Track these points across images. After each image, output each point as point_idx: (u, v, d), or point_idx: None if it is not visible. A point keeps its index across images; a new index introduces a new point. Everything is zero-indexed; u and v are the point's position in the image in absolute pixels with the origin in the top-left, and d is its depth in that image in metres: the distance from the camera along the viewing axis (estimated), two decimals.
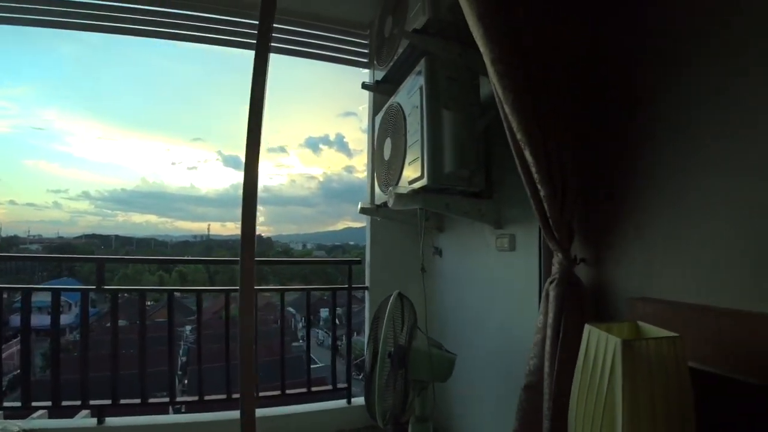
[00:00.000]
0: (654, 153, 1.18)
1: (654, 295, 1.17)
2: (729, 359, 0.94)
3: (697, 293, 1.05)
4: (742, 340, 0.92)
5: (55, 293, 2.24)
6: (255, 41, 1.32)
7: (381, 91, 2.29)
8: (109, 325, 2.39)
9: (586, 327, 0.96)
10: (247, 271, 1.19)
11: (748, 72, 0.96)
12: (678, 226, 1.11)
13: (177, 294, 2.53)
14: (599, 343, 0.90)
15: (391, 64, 2.02)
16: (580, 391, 0.95)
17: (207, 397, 2.36)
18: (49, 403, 2.17)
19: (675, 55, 1.14)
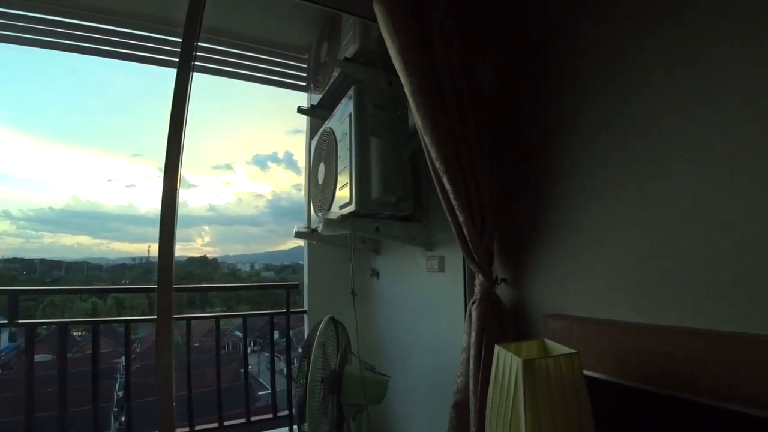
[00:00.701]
0: (562, 183, 1.29)
1: (565, 311, 1.26)
2: (625, 368, 1.03)
3: (600, 309, 1.16)
4: (634, 350, 1.02)
5: None
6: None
7: (317, 115, 2.32)
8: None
9: (496, 347, 1.02)
10: (164, 302, 1.16)
11: (649, 106, 1.09)
12: (583, 249, 1.22)
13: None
14: (505, 362, 0.96)
15: (326, 89, 2.06)
16: (492, 408, 1.00)
17: None
18: None
19: (582, 89, 1.26)
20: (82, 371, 2.83)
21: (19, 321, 2.09)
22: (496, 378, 0.99)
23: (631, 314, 1.08)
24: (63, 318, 2.32)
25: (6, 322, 2.04)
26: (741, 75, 0.88)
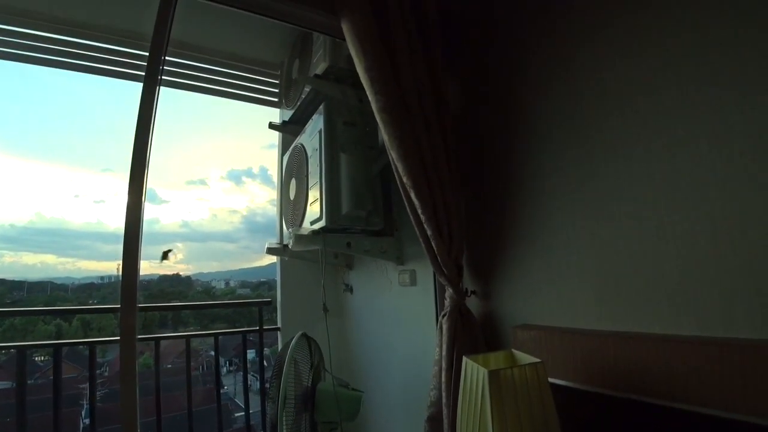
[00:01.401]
0: (527, 198, 1.34)
1: (533, 322, 1.29)
2: (590, 375, 1.06)
3: (566, 318, 1.20)
4: (596, 356, 1.05)
5: None
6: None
7: (288, 131, 2.33)
8: None
9: (464, 359, 1.03)
10: (128, 323, 1.13)
11: (608, 123, 1.14)
12: (549, 261, 1.26)
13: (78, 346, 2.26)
14: (473, 374, 0.97)
15: (298, 105, 2.08)
16: (462, 419, 1.01)
17: None
18: None
19: (544, 108, 1.31)
20: (44, 399, 2.69)
21: None
22: (465, 389, 1.00)
23: (596, 322, 1.12)
24: (24, 341, 2.21)
25: None
26: (682, 91, 0.94)
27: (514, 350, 1.10)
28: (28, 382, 2.24)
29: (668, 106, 0.97)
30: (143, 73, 2.33)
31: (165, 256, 1.57)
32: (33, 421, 2.09)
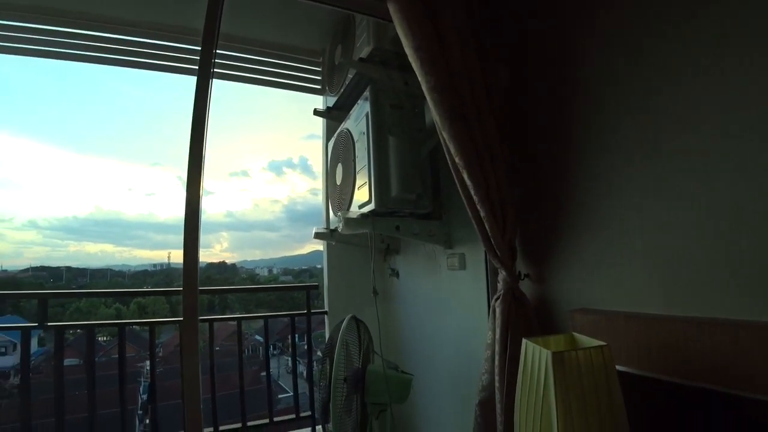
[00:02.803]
0: (584, 176, 1.28)
1: (591, 306, 1.24)
2: (655, 361, 1.01)
3: (628, 303, 1.14)
4: (664, 342, 1.00)
5: None
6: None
7: (332, 117, 2.34)
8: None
9: (524, 341, 1.01)
10: (190, 302, 1.17)
11: (677, 92, 1.07)
12: (610, 243, 1.21)
13: (137, 327, 2.41)
14: (534, 356, 0.95)
15: (342, 91, 2.08)
16: (522, 402, 0.98)
17: None
18: None
19: (600, 78, 1.24)
20: (107, 375, 2.89)
21: (49, 323, 2.15)
22: (525, 372, 0.98)
23: (662, 307, 1.05)
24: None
25: (36, 325, 2.10)
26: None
27: (575, 333, 1.06)
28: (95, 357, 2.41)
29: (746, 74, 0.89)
30: (189, 66, 2.43)
31: None
32: (99, 396, 2.24)
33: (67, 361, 2.42)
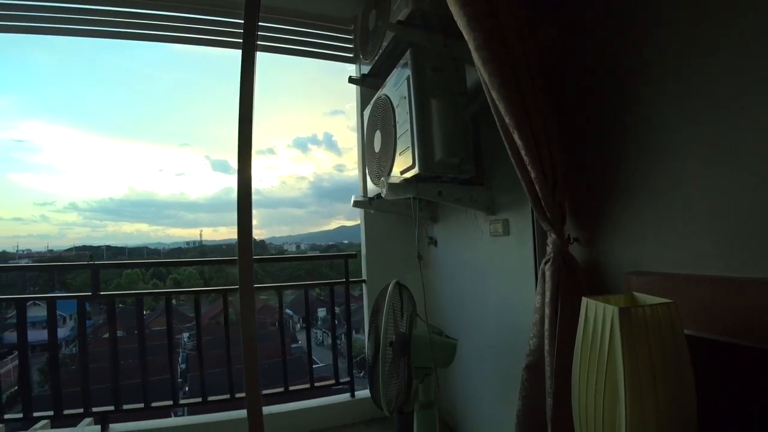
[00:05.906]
0: (637, 135, 1.22)
1: (647, 268, 1.20)
2: (718, 323, 0.98)
3: (686, 264, 1.10)
4: (728, 304, 0.96)
5: (51, 302, 2.24)
6: (239, 40, 1.31)
7: (368, 84, 2.30)
8: (106, 335, 2.38)
9: (584, 300, 0.98)
10: (246, 267, 1.20)
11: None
12: (665, 204, 1.15)
13: (173, 302, 2.51)
14: (597, 315, 0.93)
15: (377, 57, 2.03)
16: (581, 364, 0.97)
17: (210, 398, 2.37)
18: (51, 413, 2.15)
19: (657, 35, 1.17)
20: (152, 345, 3.04)
21: (102, 293, 2.26)
22: (585, 333, 0.96)
23: (724, 268, 1.01)
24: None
25: (90, 294, 2.21)
26: None
27: (635, 293, 1.03)
28: (135, 331, 2.54)
29: None
30: (227, 39, 2.42)
31: None
32: (147, 364, 2.36)
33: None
